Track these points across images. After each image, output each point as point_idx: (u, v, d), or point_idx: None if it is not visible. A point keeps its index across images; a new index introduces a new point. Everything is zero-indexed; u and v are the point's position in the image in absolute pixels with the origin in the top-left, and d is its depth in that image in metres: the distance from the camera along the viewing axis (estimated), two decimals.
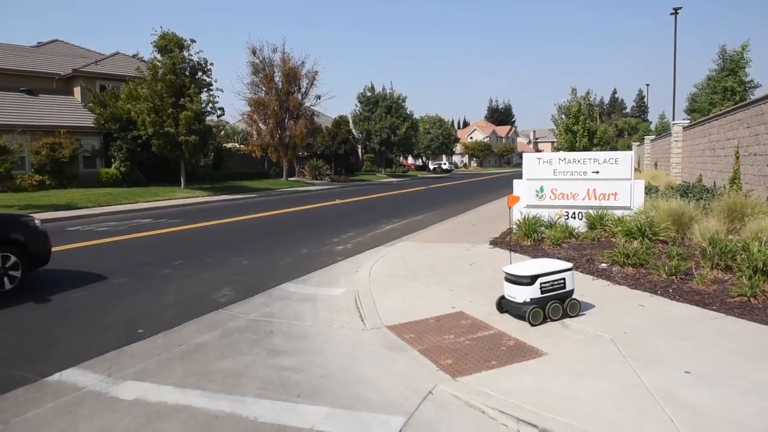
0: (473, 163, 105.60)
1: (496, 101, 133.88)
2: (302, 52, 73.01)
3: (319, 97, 41.84)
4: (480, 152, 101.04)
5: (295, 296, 7.56)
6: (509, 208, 8.47)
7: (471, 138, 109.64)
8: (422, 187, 36.94)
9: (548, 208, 11.07)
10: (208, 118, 30.99)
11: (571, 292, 5.93)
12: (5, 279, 7.70)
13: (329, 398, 4.31)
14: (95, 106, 31.05)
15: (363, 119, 57.03)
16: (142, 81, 28.53)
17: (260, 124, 40.00)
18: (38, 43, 39.04)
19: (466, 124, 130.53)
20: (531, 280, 5.71)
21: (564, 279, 5.87)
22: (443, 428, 3.82)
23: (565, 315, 5.84)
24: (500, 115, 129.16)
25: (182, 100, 28.03)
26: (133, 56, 32.75)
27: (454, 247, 10.65)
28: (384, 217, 17.52)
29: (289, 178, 41.77)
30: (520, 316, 5.82)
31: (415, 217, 17.73)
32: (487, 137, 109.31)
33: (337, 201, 24.85)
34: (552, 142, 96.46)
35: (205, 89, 30.66)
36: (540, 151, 72.85)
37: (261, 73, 39.42)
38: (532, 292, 5.72)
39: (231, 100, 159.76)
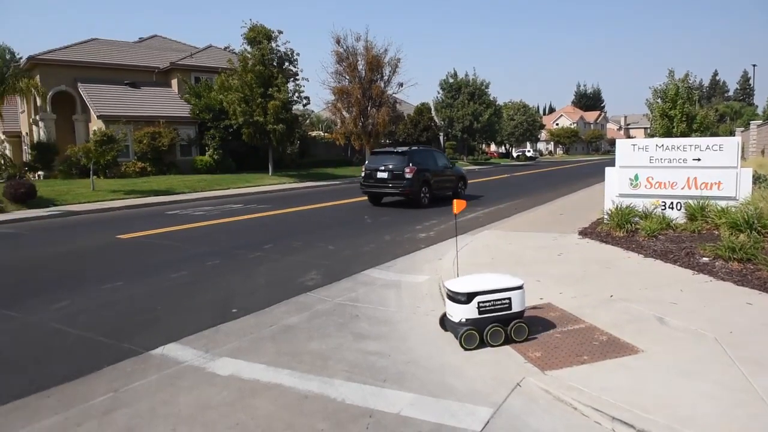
0: (559, 151, 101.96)
1: (584, 85, 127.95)
2: (385, 40, 73.26)
3: (401, 85, 41.78)
4: (566, 139, 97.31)
5: (379, 282, 7.64)
6: (454, 214, 6.79)
7: (557, 124, 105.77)
8: (506, 175, 36.16)
9: (643, 198, 10.47)
10: (294, 107, 31.84)
11: (520, 314, 5.11)
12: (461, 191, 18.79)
13: (415, 385, 4.32)
14: (190, 97, 32.74)
15: (445, 106, 56.45)
16: (233, 72, 29.77)
17: (344, 113, 40.58)
18: (139, 38, 41.61)
19: (551, 110, 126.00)
20: (467, 298, 4.96)
21: (510, 299, 5.05)
22: (533, 422, 3.73)
23: (509, 340, 4.99)
24: (588, 100, 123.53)
25: (270, 90, 28.95)
26: (225, 49, 34.23)
27: (540, 237, 10.34)
28: (467, 205, 17.28)
29: None
30: (456, 337, 5.08)
31: (499, 205, 17.38)
32: (574, 123, 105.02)
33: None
34: (645, 128, 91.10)
35: (292, 79, 31.49)
36: (631, 138, 69.21)
37: (345, 62, 39.88)
38: (467, 311, 4.97)
39: (316, 90, 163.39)
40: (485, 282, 5.13)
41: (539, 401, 4.02)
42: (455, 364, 4.68)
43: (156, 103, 32.57)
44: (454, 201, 6.19)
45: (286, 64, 31.00)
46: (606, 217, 10.48)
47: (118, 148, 25.38)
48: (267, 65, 29.33)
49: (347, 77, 40.20)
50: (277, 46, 30.33)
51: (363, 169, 18.19)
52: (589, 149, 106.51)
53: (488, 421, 3.74)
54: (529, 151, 78.95)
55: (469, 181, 21.24)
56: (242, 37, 29.73)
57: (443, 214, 14.93)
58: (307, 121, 47.11)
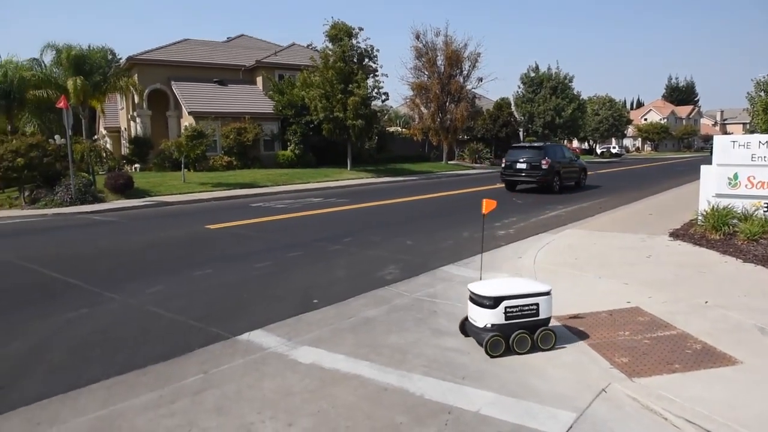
0: (647, 147, 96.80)
1: (676, 78, 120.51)
2: (465, 35, 72.48)
3: (480, 80, 41.28)
4: (655, 135, 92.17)
5: (458, 279, 7.58)
6: (483, 215, 6.17)
7: (645, 119, 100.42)
8: (589, 173, 34.75)
9: (742, 198, 9.74)
10: (373, 102, 32.18)
11: (546, 320, 4.91)
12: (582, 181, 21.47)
13: (495, 384, 4.25)
14: (274, 93, 33.85)
15: (525, 101, 55.04)
16: (315, 69, 30.49)
17: (422, 108, 40.57)
18: (227, 38, 43.43)
19: (639, 105, 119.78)
20: (494, 302, 4.76)
21: (537, 305, 4.85)
22: (618, 430, 3.57)
23: (536, 348, 4.80)
24: (680, 94, 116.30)
25: (350, 86, 29.39)
26: (307, 46, 35.03)
27: (627, 237, 9.88)
28: (548, 203, 16.82)
29: (449, 162, 41.90)
30: (480, 343, 4.88)
31: (582, 203, 16.76)
32: (664, 118, 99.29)
33: (498, 185, 24.38)
34: (744, 124, 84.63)
35: (371, 75, 31.82)
36: (729, 134, 64.68)
37: (424, 57, 39.84)
38: (493, 316, 4.77)
39: (394, 85, 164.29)
40: (512, 286, 4.95)
41: (626, 409, 3.85)
42: (537, 365, 4.57)
43: (242, 100, 33.93)
44: (484, 201, 5.79)
45: (366, 60, 31.35)
46: (700, 218, 9.85)
47: (207, 143, 26.68)
48: (347, 62, 29.79)
49: (426, 73, 40.17)
50: (358, 42, 30.74)
51: (503, 161, 21.50)
52: (680, 146, 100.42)
53: (571, 426, 3.62)
54: (614, 147, 75.48)
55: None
56: (324, 35, 30.37)
57: (521, 212, 14.58)
58: (386, 117, 47.43)
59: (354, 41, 30.48)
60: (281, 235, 11.46)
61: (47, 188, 18.44)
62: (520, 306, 4.79)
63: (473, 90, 41.53)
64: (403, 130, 48.46)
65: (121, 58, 34.97)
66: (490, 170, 37.83)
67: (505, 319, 4.76)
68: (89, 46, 23.51)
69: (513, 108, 53.20)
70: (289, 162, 31.91)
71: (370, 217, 14.42)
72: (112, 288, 7.29)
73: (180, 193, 21.04)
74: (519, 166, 20.59)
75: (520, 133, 56.42)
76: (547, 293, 4.89)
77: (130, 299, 6.80)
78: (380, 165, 35.40)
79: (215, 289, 7.30)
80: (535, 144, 21.77)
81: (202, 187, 22.70)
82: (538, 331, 4.82)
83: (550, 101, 53.04)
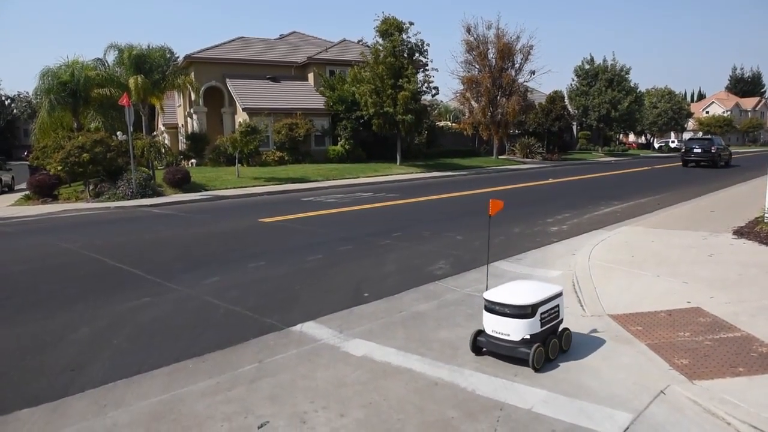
0: None
1: (741, 69, 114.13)
2: (517, 27, 71.11)
3: (533, 73, 40.43)
4: (717, 128, 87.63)
5: (508, 275, 7.49)
6: (489, 216, 5.42)
7: (707, 112, 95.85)
8: (646, 168, 33.60)
9: None
10: (423, 97, 32.06)
11: (562, 320, 4.79)
12: (729, 161, 33.42)
13: (548, 383, 4.19)
14: (325, 89, 34.23)
15: (580, 94, 53.57)
16: (365, 65, 30.64)
17: (472, 102, 40.10)
18: (280, 35, 44.14)
19: (701, 97, 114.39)
20: (532, 310, 4.41)
21: (558, 306, 4.68)
22: None
23: (559, 351, 4.65)
24: (746, 85, 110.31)
25: (400, 81, 29.39)
26: (358, 42, 35.34)
27: (688, 235, 9.50)
28: (603, 199, 16.36)
29: (499, 156, 41.33)
30: (515, 359, 4.48)
31: (639, 200, 16.21)
32: (727, 111, 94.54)
33: (550, 180, 23.90)
34: None
35: (422, 70, 31.70)
36: None
37: (475, 50, 39.33)
38: (531, 326, 4.40)
39: (445, 80, 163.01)
40: (537, 290, 4.67)
41: (686, 412, 3.72)
42: (592, 365, 4.47)
43: (294, 96, 34.46)
44: (490, 201, 5.44)
45: (417, 54, 31.25)
46: (767, 215, 9.44)
47: (260, 139, 27.25)
48: (398, 57, 29.79)
49: (477, 66, 39.68)
50: (408, 37, 30.67)
51: (682, 147, 35.54)
52: (745, 140, 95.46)
53: (627, 428, 3.53)
54: (673, 141, 72.53)
55: (600, 174, 24.43)
56: (375, 30, 30.46)
57: (575, 207, 14.24)
58: (435, 111, 47.18)
59: (404, 36, 30.44)
60: (332, 229, 11.61)
61: (110, 182, 19.29)
62: (549, 310, 4.56)
63: (525, 83, 40.73)
64: (453, 124, 48.04)
65: (178, 57, 36.06)
66: (542, 165, 37.07)
67: (541, 326, 4.47)
68: (149, 46, 24.35)
69: (566, 101, 51.91)
70: (339, 157, 32.22)
71: (420, 212, 14.41)
72: (172, 278, 7.58)
73: (234, 188, 21.62)
74: (695, 151, 32.43)
75: (574, 127, 55.04)
76: (562, 293, 4.75)
77: (189, 289, 7.05)
78: (429, 160, 35.27)
79: (269, 280, 7.48)
80: (705, 137, 36.59)
81: (255, 181, 23.24)
82: (562, 334, 4.70)
83: (606, 94, 51.41)
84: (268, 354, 4.85)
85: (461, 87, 40.20)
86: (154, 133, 39.19)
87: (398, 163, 31.64)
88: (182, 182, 20.88)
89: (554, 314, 4.61)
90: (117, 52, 23.84)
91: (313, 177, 24.96)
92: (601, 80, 52.46)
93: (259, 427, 3.61)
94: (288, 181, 23.59)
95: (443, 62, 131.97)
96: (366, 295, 6.60)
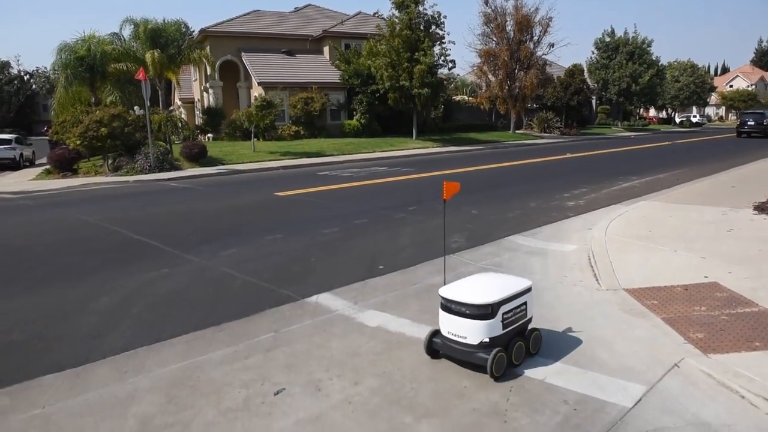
0: (731, 116, 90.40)
1: (767, 42, 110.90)
2: None
3: (552, 45, 39.67)
4: (741, 103, 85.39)
5: (524, 249, 7.48)
6: (444, 200, 5.20)
7: (730, 86, 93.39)
8: (666, 143, 33.04)
9: None
10: (439, 71, 31.66)
11: (531, 320, 4.24)
12: None
13: (561, 354, 4.20)
14: (341, 63, 33.95)
15: (599, 67, 52.50)
16: (381, 38, 30.26)
17: (489, 76, 39.55)
18: (295, 8, 43.69)
19: (725, 70, 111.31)
20: (492, 310, 3.86)
21: (526, 303, 4.14)
22: (692, 406, 3.46)
23: (526, 354, 4.14)
24: None
25: (417, 54, 29.01)
26: (374, 14, 34.83)
27: (707, 210, 9.37)
28: (621, 174, 16.14)
29: (517, 131, 40.86)
30: (471, 365, 3.97)
31: (658, 175, 15.97)
32: (752, 85, 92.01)
33: (568, 155, 23.61)
34: None
35: (438, 42, 31.24)
36: None
37: (492, 23, 38.63)
38: (491, 328, 3.86)
39: (461, 53, 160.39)
40: (500, 285, 4.12)
41: (700, 385, 3.71)
42: (606, 338, 4.47)
43: (309, 70, 34.25)
44: (444, 184, 4.96)
45: (433, 27, 30.78)
46: None
47: (275, 113, 27.23)
48: (414, 29, 29.36)
49: (494, 39, 39.04)
50: (425, 9, 30.16)
51: (737, 120, 39.08)
52: None
53: (640, 399, 3.54)
54: (695, 116, 71.03)
55: (619, 149, 23.49)
56: (391, 2, 29.96)
57: (592, 182, 14.08)
58: (452, 85, 46.64)
59: (421, 8, 29.93)
60: (347, 203, 11.65)
61: (128, 156, 19.47)
62: (514, 309, 4.00)
63: (544, 56, 40.01)
64: (470, 98, 47.47)
65: (194, 31, 35.92)
66: (560, 140, 36.60)
67: (503, 328, 3.93)
68: (164, 20, 24.26)
69: (586, 75, 50.90)
70: (354, 131, 32.11)
71: (435, 187, 14.32)
72: (189, 250, 7.68)
73: (250, 162, 21.69)
74: (749, 123, 37.25)
75: (593, 102, 54.09)
76: (530, 288, 4.20)
77: (206, 261, 7.15)
78: (446, 134, 35.00)
79: (285, 253, 7.56)
80: (757, 111, 40.62)
81: (271, 155, 23.29)
82: (530, 335, 4.20)
83: (626, 67, 50.34)
84: (284, 324, 4.93)
85: (478, 60, 39.64)
86: (171, 107, 39.31)
87: (414, 138, 31.45)
88: (199, 156, 21.01)
89: (520, 313, 4.06)
90: (132, 26, 23.80)
91: (328, 151, 24.94)
92: (621, 53, 51.31)
93: (275, 394, 3.69)
94: (304, 156, 23.61)
95: (460, 35, 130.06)
96: (380, 267, 6.64)
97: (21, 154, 25.42)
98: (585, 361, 4.08)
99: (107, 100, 25.40)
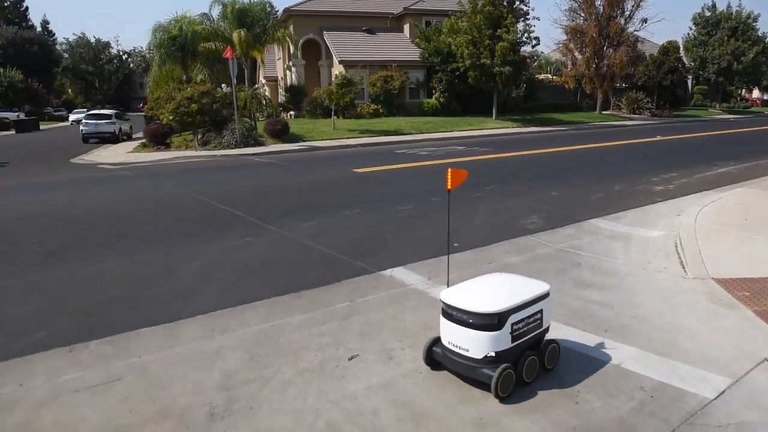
0: None
1: None
2: None
3: (644, 21, 37.40)
4: None
5: (605, 232, 7.24)
6: (448, 190, 4.48)
7: None
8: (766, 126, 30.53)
9: None
10: (522, 48, 30.71)
11: (547, 329, 3.68)
12: None
13: (640, 340, 4.08)
14: (421, 41, 33.66)
15: (697, 44, 48.95)
16: (463, 15, 29.66)
17: (576, 54, 37.92)
18: None
19: None
20: (499, 320, 3.32)
21: (541, 312, 3.56)
22: None
23: (540, 370, 3.58)
24: None
25: (499, 31, 28.24)
26: None
27: None
28: (716, 159, 15.12)
29: (603, 112, 39.06)
30: (473, 381, 3.47)
31: (757, 160, 14.83)
32: None
33: (658, 137, 22.36)
34: None
35: (521, 19, 30.23)
36: None
37: None
38: (497, 341, 3.33)
39: (546, 29, 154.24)
40: (511, 291, 3.55)
41: None
42: (689, 327, 4.29)
43: (389, 48, 34.22)
44: (449, 171, 4.42)
45: (517, 3, 29.81)
46: None
47: (355, 91, 27.53)
48: (497, 5, 28.56)
49: (582, 14, 37.33)
50: None
51: None
52: None
53: (724, 391, 3.40)
54: None
55: (716, 133, 22.01)
56: None
57: (683, 167, 13.29)
58: (535, 63, 45.15)
59: None
60: (423, 181, 11.67)
61: (216, 132, 20.40)
62: (526, 318, 3.45)
63: (635, 32, 37.80)
64: (554, 77, 45.78)
65: (278, 11, 36.81)
66: (651, 121, 34.67)
67: (512, 341, 3.38)
68: (250, 0, 25.03)
69: (681, 52, 47.64)
70: (433, 110, 31.89)
71: (514, 167, 14.09)
72: (271, 221, 8.02)
73: (330, 139, 22.12)
74: None
75: (689, 81, 50.64)
76: (548, 294, 3.63)
77: (287, 232, 7.45)
78: (527, 114, 34.04)
79: (362, 227, 7.73)
80: None
81: (350, 133, 23.62)
82: (546, 347, 3.63)
83: (728, 44, 46.63)
84: (359, 294, 5.08)
85: (564, 37, 38.07)
86: (256, 85, 40.60)
87: (494, 117, 30.81)
88: (281, 133, 21.66)
89: (534, 323, 3.51)
90: (221, 6, 24.72)
91: (406, 130, 24.96)
92: (723, 29, 47.54)
93: (349, 359, 3.84)
94: (382, 134, 23.77)
95: (545, 10, 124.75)
96: (455, 245, 6.65)
97: (120, 129, 27.25)
98: (665, 349, 3.94)
99: (197, 77, 26.62)
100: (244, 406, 3.29)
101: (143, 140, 22.17)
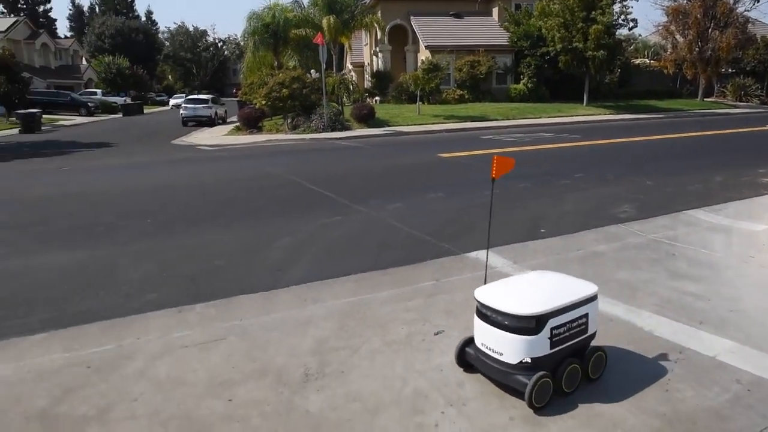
0: None
1: None
2: None
3: (757, 0, 34.42)
4: None
5: (704, 224, 6.88)
6: (493, 179, 4.31)
7: None
8: None
9: None
10: (618, 31, 29.26)
11: (593, 335, 3.30)
12: None
13: (738, 334, 3.91)
14: (509, 24, 32.85)
15: None
16: None
17: (677, 36, 35.58)
18: None
19: None
20: (537, 323, 3.02)
21: (587, 316, 3.20)
22: None
23: (584, 378, 3.24)
24: None
25: (593, 13, 27.02)
26: None
27: None
28: None
29: (705, 99, 36.51)
30: (507, 387, 3.19)
31: None
32: None
33: (767, 126, 20.69)
34: None
35: (618, 0, 28.77)
36: None
37: None
38: (534, 346, 3.03)
39: (645, 10, 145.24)
40: (552, 291, 3.26)
41: None
42: None
43: (476, 33, 33.69)
44: (495, 158, 4.27)
45: None
46: None
47: (441, 76, 27.39)
48: None
49: None
50: None
51: None
52: None
53: None
54: None
55: None
56: None
57: None
58: (631, 47, 42.79)
59: None
60: None
61: (305, 116, 21.08)
62: (569, 323, 3.13)
63: (746, 13, 34.91)
64: (652, 62, 43.22)
65: None
66: (760, 110, 32.06)
67: (551, 347, 3.08)
68: None
69: None
70: (520, 96, 31.15)
71: (605, 155, 13.58)
72: (359, 202, 8.28)
73: (415, 124, 22.24)
74: None
75: None
76: (595, 296, 3.30)
77: (373, 212, 7.68)
78: (621, 101, 32.44)
79: (446, 211, 7.83)
80: None
81: (435, 119, 23.60)
82: (591, 355, 3.28)
83: None
84: (444, 274, 5.18)
85: (665, 19, 35.81)
86: (343, 71, 41.36)
87: (585, 104, 29.64)
88: (367, 118, 22.02)
89: (578, 329, 3.18)
90: None
91: (492, 116, 24.60)
92: None
93: (435, 334, 3.97)
94: (467, 120, 23.57)
95: None
96: (542, 231, 6.60)
97: (215, 113, 28.77)
98: (766, 345, 3.76)
99: (288, 63, 27.55)
100: (335, 370, 3.50)
101: (237, 124, 23.32)
